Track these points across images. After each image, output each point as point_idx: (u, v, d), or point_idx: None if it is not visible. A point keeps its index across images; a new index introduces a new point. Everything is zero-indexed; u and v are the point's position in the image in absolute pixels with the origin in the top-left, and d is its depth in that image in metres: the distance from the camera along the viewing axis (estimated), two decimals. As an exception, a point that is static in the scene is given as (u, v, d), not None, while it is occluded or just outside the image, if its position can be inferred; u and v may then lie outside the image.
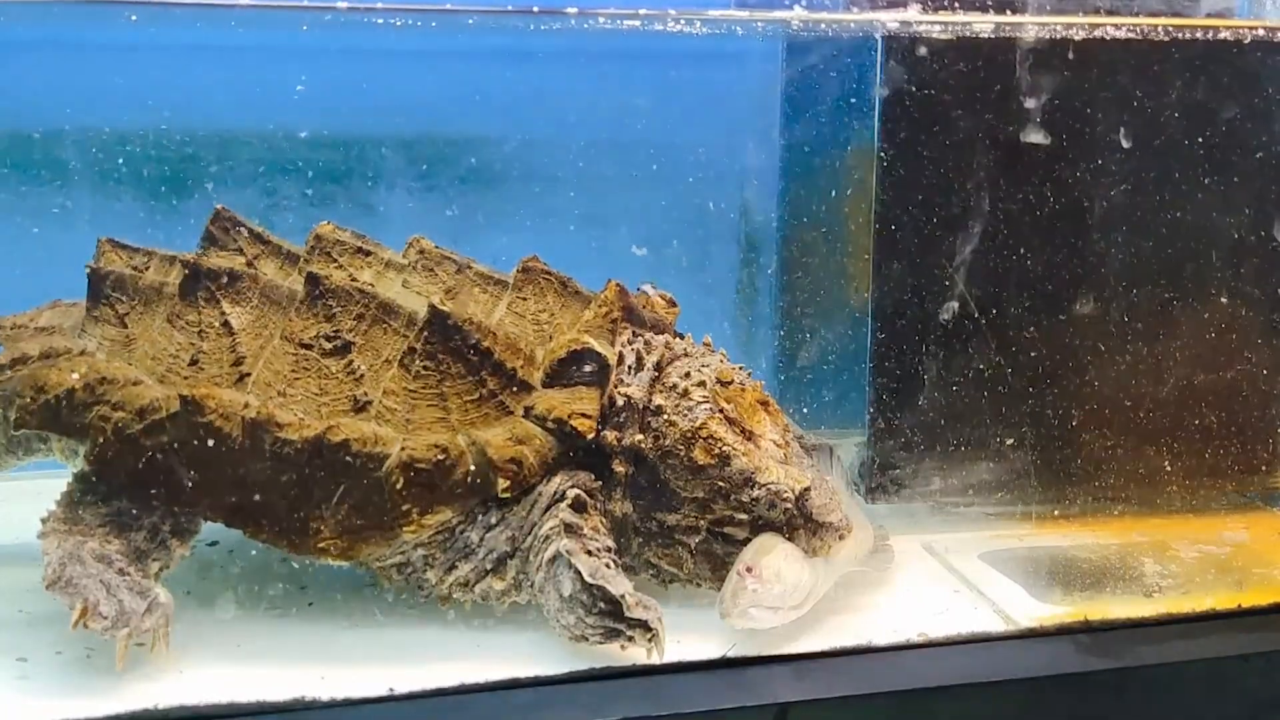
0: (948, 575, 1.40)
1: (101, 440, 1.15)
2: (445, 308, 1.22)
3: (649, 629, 1.12)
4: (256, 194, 1.64)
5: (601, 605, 1.12)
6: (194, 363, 1.21)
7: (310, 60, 1.70)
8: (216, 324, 1.23)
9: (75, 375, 1.17)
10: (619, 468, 1.24)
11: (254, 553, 1.37)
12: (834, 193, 1.68)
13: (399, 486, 1.15)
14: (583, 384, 1.24)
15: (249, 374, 1.20)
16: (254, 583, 1.29)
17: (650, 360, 1.28)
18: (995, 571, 1.40)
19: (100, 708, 1.03)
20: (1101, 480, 1.57)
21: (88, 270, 1.29)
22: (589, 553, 1.16)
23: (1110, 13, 1.52)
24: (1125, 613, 1.29)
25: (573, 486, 1.20)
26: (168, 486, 1.15)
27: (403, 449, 1.16)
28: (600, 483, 1.24)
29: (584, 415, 1.20)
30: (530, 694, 1.10)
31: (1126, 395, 1.55)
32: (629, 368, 1.28)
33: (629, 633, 1.12)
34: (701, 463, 1.23)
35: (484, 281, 1.36)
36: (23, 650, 1.12)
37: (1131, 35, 1.49)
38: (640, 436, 1.24)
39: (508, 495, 1.17)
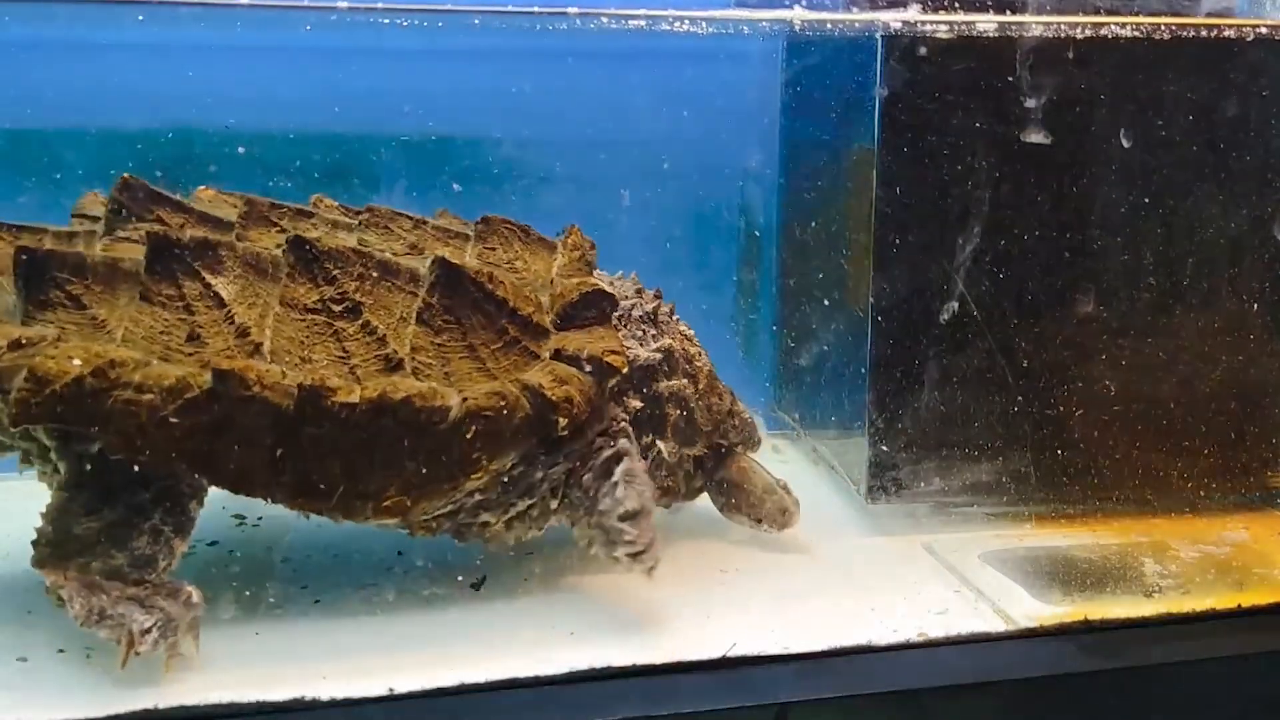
0: (948, 575, 1.40)
1: (133, 427, 1.08)
2: (456, 261, 1.23)
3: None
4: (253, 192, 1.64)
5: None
6: (194, 338, 1.15)
7: (310, 60, 1.70)
8: (204, 296, 1.17)
9: (77, 361, 1.08)
10: (671, 411, 1.38)
11: (254, 553, 1.38)
12: (834, 193, 1.68)
13: (469, 437, 1.16)
14: (592, 323, 1.29)
15: (261, 343, 1.16)
16: (254, 583, 1.29)
17: (651, 308, 1.39)
18: (995, 571, 1.40)
19: (100, 708, 1.03)
20: (1101, 480, 1.57)
21: (22, 252, 1.16)
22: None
23: (1111, 12, 1.51)
24: (1125, 613, 1.29)
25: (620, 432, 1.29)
26: (210, 468, 1.12)
27: (465, 400, 1.17)
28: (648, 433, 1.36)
29: (615, 352, 1.26)
30: (530, 694, 1.10)
31: (1126, 395, 1.55)
32: (629, 314, 1.37)
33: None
34: (723, 400, 1.46)
35: (444, 235, 1.34)
36: (23, 650, 1.13)
37: (1133, 35, 1.49)
38: (684, 382, 1.39)
39: (565, 433, 1.21)
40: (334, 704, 1.06)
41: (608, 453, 1.27)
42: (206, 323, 1.16)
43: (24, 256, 1.15)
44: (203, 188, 1.33)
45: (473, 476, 1.18)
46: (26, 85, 1.62)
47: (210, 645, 1.14)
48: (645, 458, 1.35)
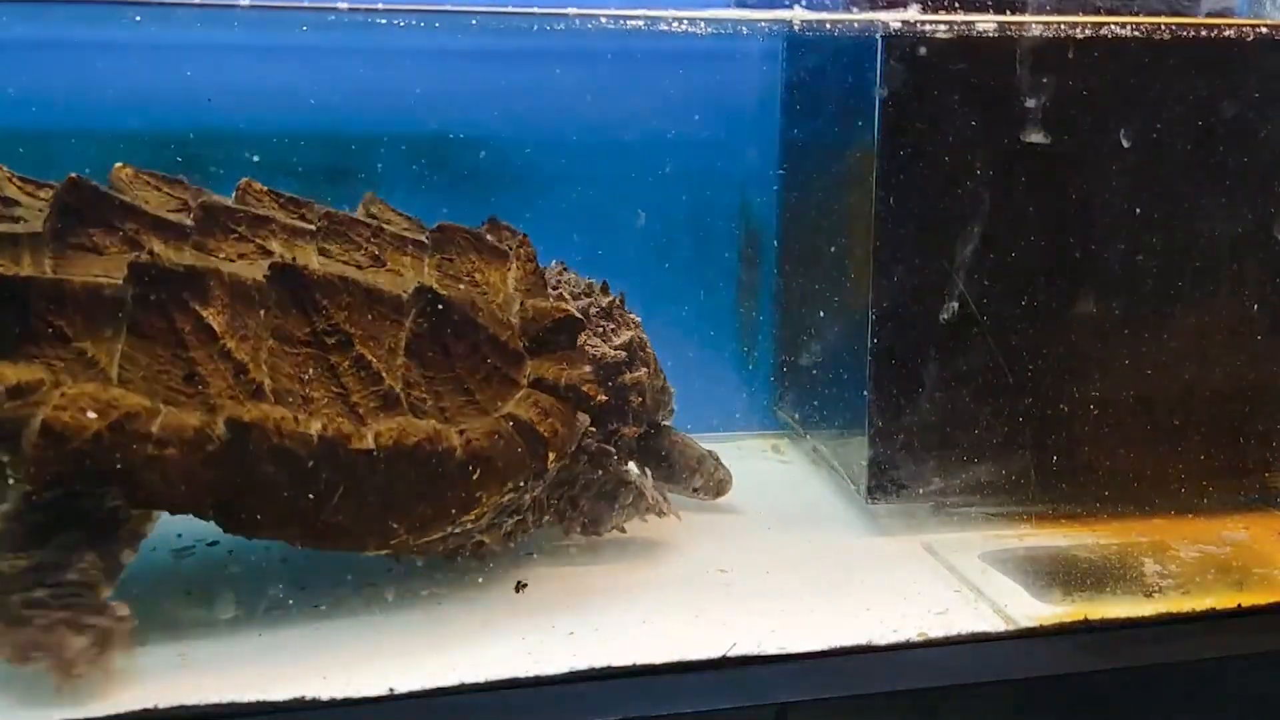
0: (948, 575, 1.40)
1: (156, 481, 1.05)
2: (443, 290, 1.23)
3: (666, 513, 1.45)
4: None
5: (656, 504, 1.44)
6: (192, 378, 1.09)
7: (310, 60, 1.70)
8: (196, 329, 1.10)
9: (92, 415, 1.03)
10: (634, 399, 1.42)
11: (254, 553, 1.38)
12: (834, 193, 1.68)
13: (476, 477, 1.19)
14: (564, 348, 1.33)
15: (261, 383, 1.12)
16: (254, 583, 1.29)
17: (606, 303, 1.45)
18: (995, 571, 1.40)
19: (100, 708, 1.03)
20: (1101, 480, 1.57)
21: (8, 280, 1.05)
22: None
23: (1111, 12, 1.51)
24: (1125, 613, 1.29)
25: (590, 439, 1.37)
26: (226, 515, 1.10)
27: (467, 441, 1.19)
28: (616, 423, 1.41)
29: (590, 381, 1.32)
30: (530, 694, 1.10)
31: (1126, 395, 1.55)
32: (587, 313, 1.41)
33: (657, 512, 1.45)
34: (658, 378, 1.50)
35: (402, 244, 1.30)
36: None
37: (1133, 34, 1.49)
38: (646, 370, 1.44)
39: (554, 463, 1.26)
40: (334, 704, 1.06)
41: (604, 477, 1.38)
42: (202, 359, 1.10)
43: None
44: (119, 165, 1.25)
45: (473, 511, 1.21)
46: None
47: (210, 645, 1.15)
48: (610, 443, 1.40)
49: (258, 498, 1.10)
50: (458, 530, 1.24)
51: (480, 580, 1.33)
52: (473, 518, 1.23)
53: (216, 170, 1.60)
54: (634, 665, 1.13)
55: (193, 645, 1.15)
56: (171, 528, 1.42)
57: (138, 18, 1.53)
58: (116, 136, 1.64)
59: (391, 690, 1.08)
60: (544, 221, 1.73)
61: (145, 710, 1.03)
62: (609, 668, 1.13)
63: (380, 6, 1.43)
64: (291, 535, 1.14)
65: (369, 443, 1.14)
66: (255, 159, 1.60)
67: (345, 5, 1.41)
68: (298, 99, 1.70)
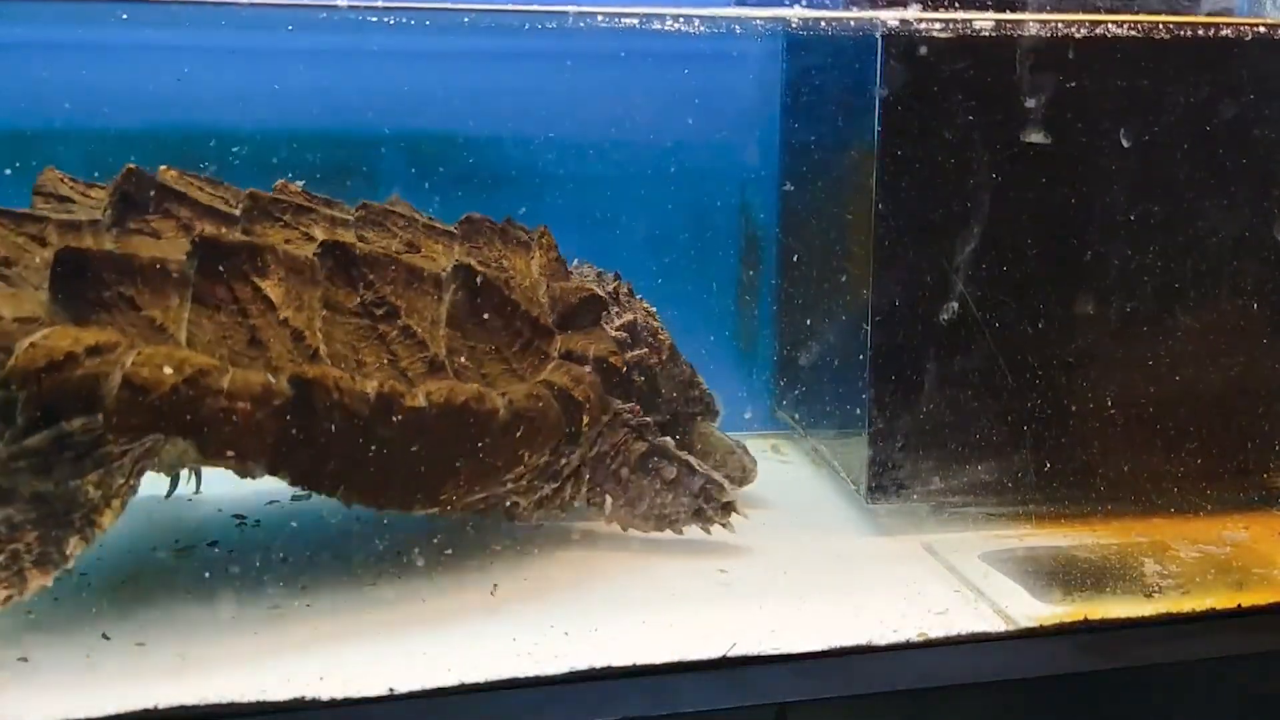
0: (948, 575, 1.40)
1: (227, 433, 1.11)
2: (479, 268, 1.30)
3: (731, 503, 1.44)
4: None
5: (706, 486, 1.43)
6: (255, 342, 1.16)
7: (308, 60, 1.70)
8: (255, 299, 1.18)
9: (169, 370, 1.08)
10: (637, 379, 1.49)
11: (254, 553, 1.38)
12: (834, 193, 1.68)
13: (519, 435, 1.26)
14: (588, 325, 1.42)
15: (316, 348, 1.18)
16: (254, 583, 1.29)
17: (612, 288, 1.52)
18: (995, 571, 1.40)
19: (100, 708, 1.03)
20: (1101, 480, 1.56)
21: (67, 253, 1.12)
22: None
23: (1111, 11, 1.51)
24: (1125, 613, 1.29)
25: (628, 412, 1.42)
26: (287, 467, 1.15)
27: (509, 401, 1.26)
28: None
29: (615, 353, 1.41)
30: (530, 694, 1.10)
31: (1127, 395, 1.55)
32: (609, 295, 1.49)
33: (720, 502, 1.44)
34: (683, 370, 1.58)
35: (433, 233, 1.39)
36: (23, 650, 1.12)
37: (1132, 33, 1.49)
38: (645, 350, 1.50)
39: (587, 429, 1.34)
40: (334, 704, 1.06)
41: (641, 448, 1.42)
42: (262, 326, 1.17)
43: (70, 258, 1.11)
44: (164, 168, 1.29)
45: (514, 470, 1.28)
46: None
47: (210, 645, 1.15)
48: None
49: (319, 453, 1.16)
50: (499, 490, 1.30)
51: (479, 580, 1.33)
52: (514, 477, 1.30)
53: (205, 167, 1.60)
54: (634, 665, 1.13)
55: (193, 645, 1.15)
56: (170, 528, 1.42)
57: (124, 15, 1.53)
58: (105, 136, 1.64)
59: (391, 690, 1.08)
60: (543, 221, 1.73)
61: (145, 710, 1.03)
62: (609, 668, 1.13)
63: (379, 5, 1.43)
64: (348, 492, 1.19)
65: (421, 400, 1.19)
66: (239, 159, 1.60)
67: (344, 4, 1.41)
68: (294, 98, 1.70)
